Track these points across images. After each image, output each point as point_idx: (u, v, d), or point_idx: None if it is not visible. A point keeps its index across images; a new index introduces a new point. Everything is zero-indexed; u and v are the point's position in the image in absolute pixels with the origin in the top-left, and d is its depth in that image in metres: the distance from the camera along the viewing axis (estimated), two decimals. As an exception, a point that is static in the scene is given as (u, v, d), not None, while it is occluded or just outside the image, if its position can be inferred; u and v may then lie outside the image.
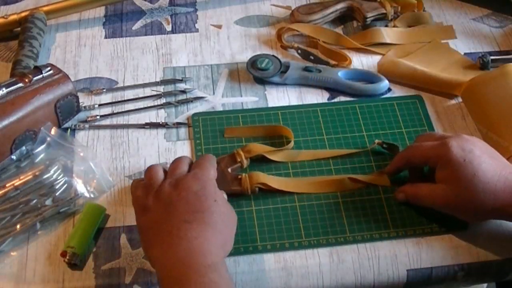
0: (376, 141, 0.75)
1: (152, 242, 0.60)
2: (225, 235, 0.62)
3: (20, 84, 0.72)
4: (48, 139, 0.73)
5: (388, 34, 0.89)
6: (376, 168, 0.74)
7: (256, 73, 0.82)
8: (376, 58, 0.87)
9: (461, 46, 0.89)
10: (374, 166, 0.74)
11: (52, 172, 0.70)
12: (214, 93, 0.82)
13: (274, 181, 0.71)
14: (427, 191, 0.66)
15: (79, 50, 0.87)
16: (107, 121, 0.79)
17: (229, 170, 0.71)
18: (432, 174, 0.66)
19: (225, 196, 0.66)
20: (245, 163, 0.72)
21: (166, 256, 0.58)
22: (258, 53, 0.86)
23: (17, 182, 0.69)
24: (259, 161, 0.73)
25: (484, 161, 0.63)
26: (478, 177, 0.62)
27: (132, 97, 0.81)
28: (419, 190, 0.67)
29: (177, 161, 0.67)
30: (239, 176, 0.70)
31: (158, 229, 0.60)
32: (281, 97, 0.82)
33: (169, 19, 0.92)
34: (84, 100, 0.81)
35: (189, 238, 0.58)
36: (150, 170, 0.66)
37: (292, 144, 0.75)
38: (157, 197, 0.62)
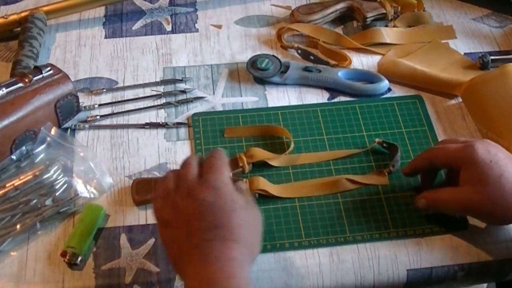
0: (376, 140, 0.75)
1: (177, 257, 0.58)
2: (251, 243, 0.59)
3: (20, 84, 0.72)
4: (48, 139, 0.73)
5: (388, 34, 0.89)
6: (376, 168, 0.74)
7: (256, 73, 0.82)
8: (376, 58, 0.87)
9: (461, 46, 0.89)
10: (374, 166, 0.74)
11: (52, 172, 0.70)
12: (214, 93, 0.82)
13: (274, 188, 0.71)
14: (450, 195, 0.65)
15: (79, 50, 0.87)
16: (107, 121, 0.79)
17: (231, 174, 0.71)
18: (449, 179, 0.66)
19: (243, 186, 0.63)
20: (247, 168, 0.72)
21: (192, 275, 0.56)
22: (258, 53, 0.86)
23: (17, 182, 0.69)
24: (261, 165, 0.73)
25: (510, 163, 0.62)
26: (506, 178, 0.61)
27: (132, 97, 0.81)
28: (441, 195, 0.66)
29: (185, 165, 0.63)
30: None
31: (181, 245, 0.58)
32: (281, 97, 0.82)
33: (169, 19, 0.92)
34: (84, 100, 0.81)
35: (214, 258, 0.55)
36: (162, 179, 0.63)
37: (292, 145, 0.75)
38: (173, 209, 0.59)
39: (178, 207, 0.59)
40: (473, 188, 0.63)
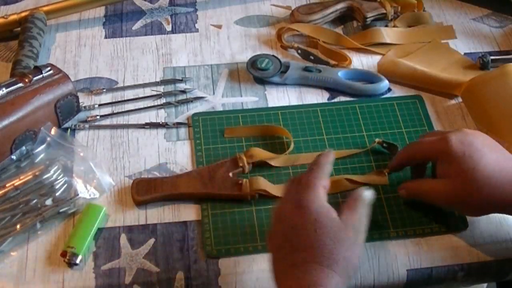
0: (377, 140, 0.75)
1: (278, 270, 0.58)
2: (349, 275, 0.56)
3: (20, 84, 0.72)
4: (48, 139, 0.73)
5: (388, 34, 0.89)
6: (376, 168, 0.74)
7: (256, 73, 0.82)
8: (376, 58, 0.87)
9: (461, 46, 0.89)
10: (374, 166, 0.74)
11: (52, 172, 0.70)
12: (214, 93, 0.82)
13: (274, 188, 0.71)
14: (428, 187, 0.66)
15: (79, 50, 0.87)
16: (107, 121, 0.79)
17: (231, 174, 0.71)
18: (434, 171, 0.66)
19: (333, 214, 0.59)
20: (247, 168, 0.72)
21: None
22: (258, 53, 0.86)
23: (17, 182, 0.69)
24: (261, 165, 0.73)
25: (485, 154, 0.62)
26: (479, 171, 0.61)
27: (132, 97, 0.81)
28: (421, 186, 0.67)
29: (292, 180, 0.62)
30: (240, 181, 0.70)
31: (284, 258, 0.57)
32: (281, 97, 0.82)
33: (169, 19, 0.92)
34: (84, 100, 0.81)
35: (308, 283, 0.54)
36: (289, 182, 0.62)
37: (292, 145, 0.75)
38: (283, 220, 0.59)
39: (286, 218, 0.58)
40: (449, 181, 0.63)
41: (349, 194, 0.62)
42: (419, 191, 0.67)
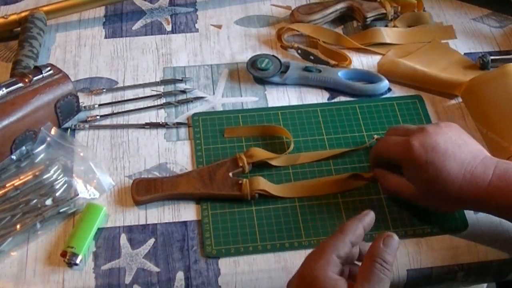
0: (375, 136, 0.75)
1: None
2: None
3: (20, 84, 0.72)
4: (48, 139, 0.73)
5: (388, 34, 0.89)
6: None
7: (256, 73, 0.82)
8: (376, 58, 0.87)
9: (461, 46, 0.89)
10: (374, 166, 0.74)
11: (52, 172, 0.70)
12: (214, 93, 0.82)
13: (274, 188, 0.71)
14: (395, 184, 0.67)
15: (79, 50, 0.87)
16: (107, 121, 0.79)
17: (231, 174, 0.71)
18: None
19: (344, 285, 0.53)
20: (247, 168, 0.72)
21: None
22: (258, 53, 0.86)
23: (17, 182, 0.69)
24: (261, 164, 0.73)
25: (448, 158, 0.62)
26: (441, 178, 0.62)
27: (132, 97, 0.81)
28: (388, 181, 0.68)
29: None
30: (240, 182, 0.70)
31: None
32: (281, 97, 0.82)
33: (169, 19, 0.92)
34: (84, 100, 0.81)
35: None
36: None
37: (292, 146, 0.75)
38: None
39: (292, 284, 0.55)
40: (413, 185, 0.64)
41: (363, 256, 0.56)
42: (386, 186, 0.68)
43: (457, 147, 0.63)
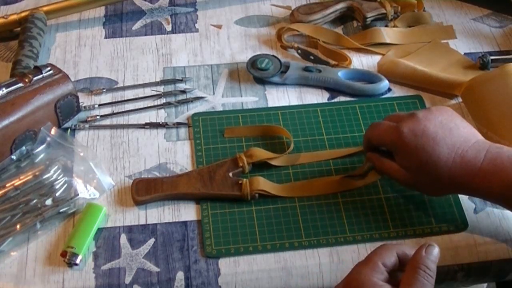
0: None
1: None
2: None
3: (20, 84, 0.72)
4: (48, 139, 0.73)
5: (388, 34, 0.89)
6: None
7: (256, 73, 0.82)
8: (376, 58, 0.87)
9: (461, 46, 0.89)
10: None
11: (52, 172, 0.70)
12: (214, 93, 0.82)
13: (274, 188, 0.71)
14: (389, 168, 0.67)
15: (79, 50, 0.87)
16: (107, 121, 0.79)
17: (231, 174, 0.71)
18: None
19: None
20: (247, 168, 0.72)
21: None
22: (258, 53, 0.86)
23: (17, 182, 0.69)
24: (261, 164, 0.73)
25: (439, 142, 0.62)
26: (432, 163, 0.62)
27: (132, 97, 0.81)
28: (383, 165, 0.67)
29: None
30: (240, 182, 0.70)
31: None
32: (281, 97, 0.82)
33: (169, 19, 0.92)
34: (84, 100, 0.81)
35: None
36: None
37: (292, 146, 0.75)
38: None
39: None
40: (405, 170, 0.64)
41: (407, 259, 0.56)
42: (381, 169, 0.68)
43: (448, 130, 0.63)
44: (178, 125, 0.78)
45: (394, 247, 0.56)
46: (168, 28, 0.91)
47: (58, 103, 0.74)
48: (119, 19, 0.92)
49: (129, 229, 0.68)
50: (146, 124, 0.78)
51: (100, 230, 0.68)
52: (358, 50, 0.88)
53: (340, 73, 0.82)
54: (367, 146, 0.71)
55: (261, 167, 0.73)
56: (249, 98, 0.82)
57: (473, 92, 0.79)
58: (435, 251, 0.55)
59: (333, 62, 0.85)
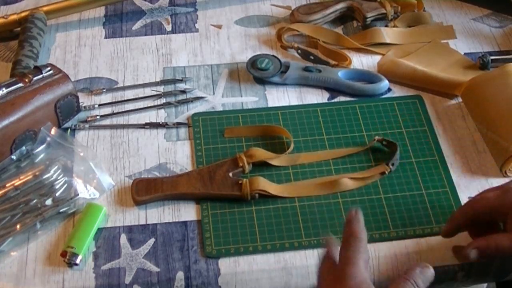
0: (376, 137, 0.75)
1: None
2: None
3: (20, 84, 0.72)
4: (48, 139, 0.73)
5: (388, 34, 0.89)
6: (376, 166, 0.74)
7: (256, 73, 0.82)
8: (376, 58, 0.87)
9: (461, 46, 0.89)
10: (374, 165, 0.74)
11: (52, 172, 0.70)
12: (214, 93, 0.82)
13: (274, 188, 0.71)
14: (501, 240, 0.60)
15: (79, 50, 0.87)
16: (107, 121, 0.79)
17: (231, 174, 0.71)
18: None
19: None
20: (247, 168, 0.72)
21: None
22: (258, 53, 0.86)
23: (17, 182, 0.69)
24: (261, 164, 0.73)
25: None
26: None
27: (132, 97, 0.81)
28: (499, 241, 0.60)
29: (326, 257, 0.57)
30: (240, 182, 0.70)
31: None
32: (281, 97, 0.82)
33: (169, 19, 0.92)
34: (84, 100, 0.81)
35: None
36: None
37: (292, 146, 0.75)
38: None
39: None
40: None
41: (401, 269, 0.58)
42: (498, 248, 0.60)
43: None
44: (178, 125, 0.78)
45: (362, 236, 0.56)
46: (168, 28, 0.91)
47: (58, 103, 0.74)
48: (119, 19, 0.92)
49: (129, 229, 0.68)
50: (146, 124, 0.78)
51: (100, 230, 0.68)
52: (358, 50, 0.88)
53: (340, 73, 0.82)
54: (457, 225, 0.64)
55: (261, 167, 0.73)
56: (249, 98, 0.82)
57: (473, 92, 0.79)
58: (430, 274, 0.54)
59: (333, 62, 0.85)
